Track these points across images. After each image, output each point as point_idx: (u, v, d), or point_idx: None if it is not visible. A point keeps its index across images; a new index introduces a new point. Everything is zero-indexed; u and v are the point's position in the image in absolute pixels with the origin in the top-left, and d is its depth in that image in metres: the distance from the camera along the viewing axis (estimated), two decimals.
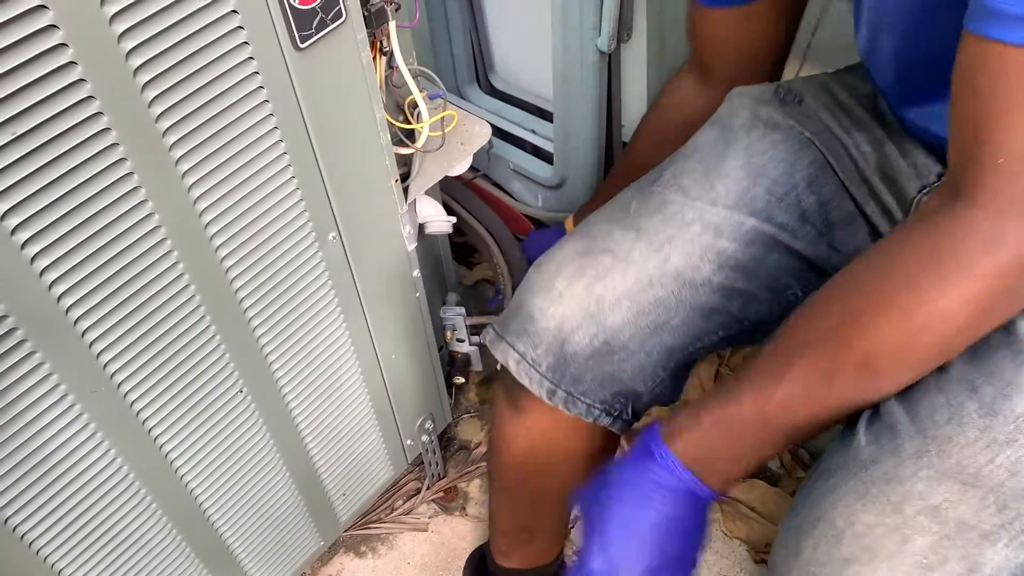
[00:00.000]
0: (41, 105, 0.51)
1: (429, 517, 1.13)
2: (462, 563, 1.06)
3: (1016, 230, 0.48)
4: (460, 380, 1.20)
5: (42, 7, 0.48)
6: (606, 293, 0.67)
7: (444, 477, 1.15)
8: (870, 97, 0.74)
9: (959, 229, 0.49)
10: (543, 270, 0.70)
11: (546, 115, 1.31)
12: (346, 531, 1.09)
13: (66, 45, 0.50)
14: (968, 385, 0.53)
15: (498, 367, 0.74)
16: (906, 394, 0.55)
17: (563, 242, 0.71)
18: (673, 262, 0.68)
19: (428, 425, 1.06)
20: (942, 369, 0.54)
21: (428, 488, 1.14)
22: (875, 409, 0.57)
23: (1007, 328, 0.53)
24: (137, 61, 0.54)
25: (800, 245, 0.71)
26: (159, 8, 0.54)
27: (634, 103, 1.16)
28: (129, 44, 0.53)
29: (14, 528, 0.64)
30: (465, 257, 1.41)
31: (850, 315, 0.53)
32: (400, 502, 1.14)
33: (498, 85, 1.39)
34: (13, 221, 0.53)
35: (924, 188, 0.69)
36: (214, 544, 0.83)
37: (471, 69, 1.37)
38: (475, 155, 0.89)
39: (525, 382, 0.70)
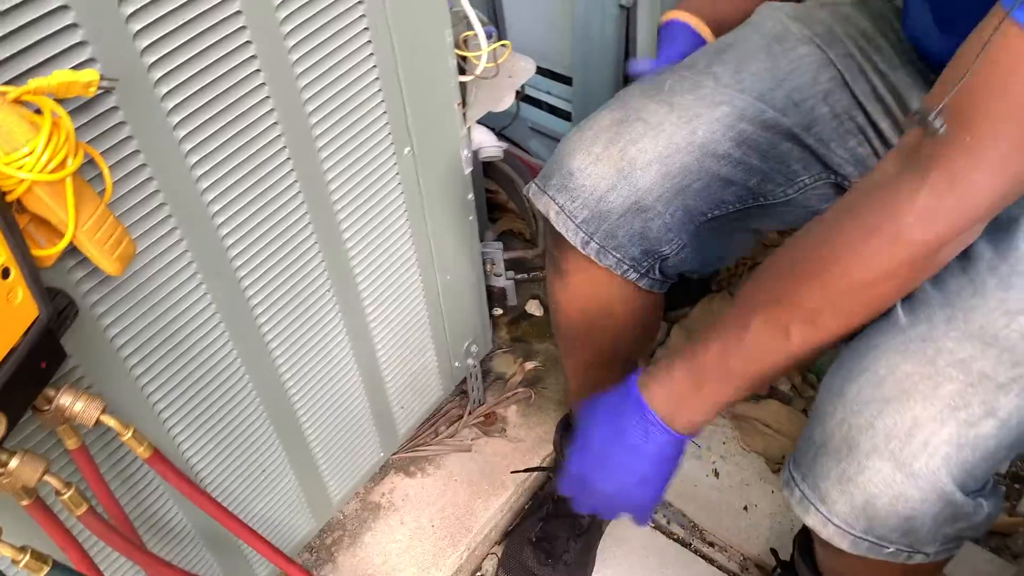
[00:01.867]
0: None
1: (471, 439, 1.21)
2: (505, 476, 1.15)
3: (952, 210, 0.53)
4: (498, 311, 1.29)
5: None
6: (638, 156, 0.76)
7: (483, 404, 1.24)
8: (891, 25, 0.84)
9: (902, 201, 0.55)
10: (583, 133, 0.79)
11: (559, 79, 1.41)
12: (395, 454, 1.17)
13: None
14: (988, 265, 0.62)
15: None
16: (937, 277, 0.64)
17: (601, 110, 0.80)
18: (700, 135, 0.77)
19: (473, 349, 1.14)
20: (966, 254, 0.63)
21: (470, 413, 1.22)
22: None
23: None
24: None
25: (811, 141, 0.81)
26: None
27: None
28: None
29: (148, 395, 0.71)
30: (489, 213, 1.49)
31: (803, 275, 0.61)
32: (443, 427, 1.22)
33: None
34: (175, 117, 0.61)
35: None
36: (298, 440, 0.91)
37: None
38: (498, 116, 0.97)
39: (562, 231, 0.78)
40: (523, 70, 0.98)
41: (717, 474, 1.20)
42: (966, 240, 0.59)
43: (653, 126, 0.77)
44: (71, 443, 0.61)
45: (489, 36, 0.93)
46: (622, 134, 0.77)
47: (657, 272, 0.81)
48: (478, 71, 0.91)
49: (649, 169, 0.76)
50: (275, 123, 0.69)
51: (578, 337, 0.91)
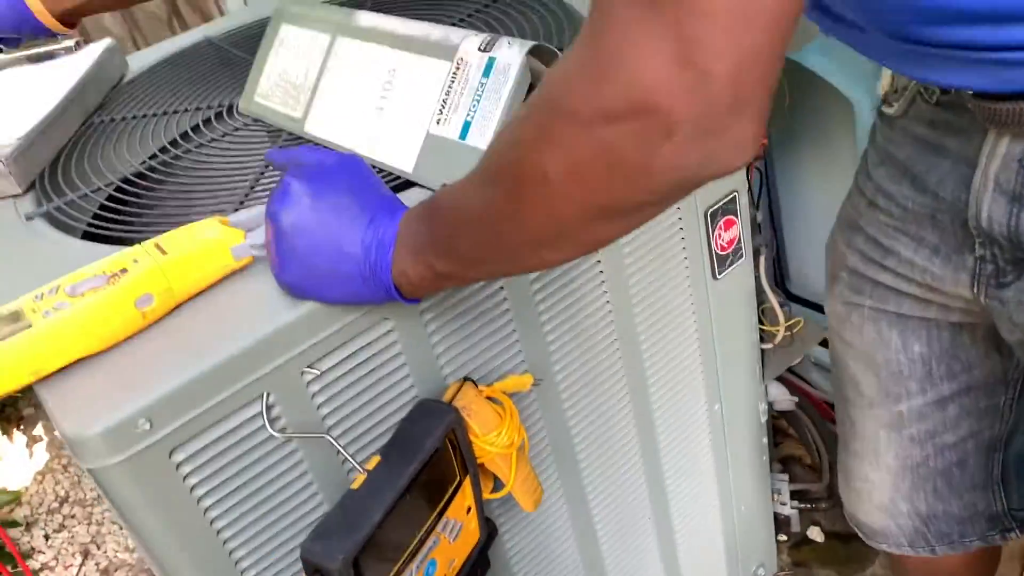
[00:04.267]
0: None
1: None
2: None
3: (647, 57, 0.39)
4: (782, 538, 1.41)
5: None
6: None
7: None
8: None
9: (571, 71, 0.44)
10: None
11: None
12: None
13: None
14: None
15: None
16: None
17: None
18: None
19: (760, 572, 1.27)
20: None
21: None
22: None
23: None
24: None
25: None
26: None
27: None
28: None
29: None
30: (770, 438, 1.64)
31: (483, 200, 0.53)
32: None
33: (794, 291, 1.67)
34: None
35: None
36: None
37: (771, 277, 1.67)
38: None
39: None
40: (812, 337, 1.17)
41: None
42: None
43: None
44: None
45: (783, 307, 1.14)
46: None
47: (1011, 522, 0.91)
48: (776, 341, 1.11)
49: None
50: (624, 384, 0.93)
51: None
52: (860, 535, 0.97)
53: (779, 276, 1.66)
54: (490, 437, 0.74)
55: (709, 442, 1.08)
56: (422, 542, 0.70)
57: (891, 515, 0.92)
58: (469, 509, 0.76)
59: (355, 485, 0.67)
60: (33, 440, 2.03)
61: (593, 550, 1.00)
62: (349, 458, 0.69)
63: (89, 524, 1.81)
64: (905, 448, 0.87)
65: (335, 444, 0.69)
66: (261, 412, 0.66)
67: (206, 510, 0.66)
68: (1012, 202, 0.63)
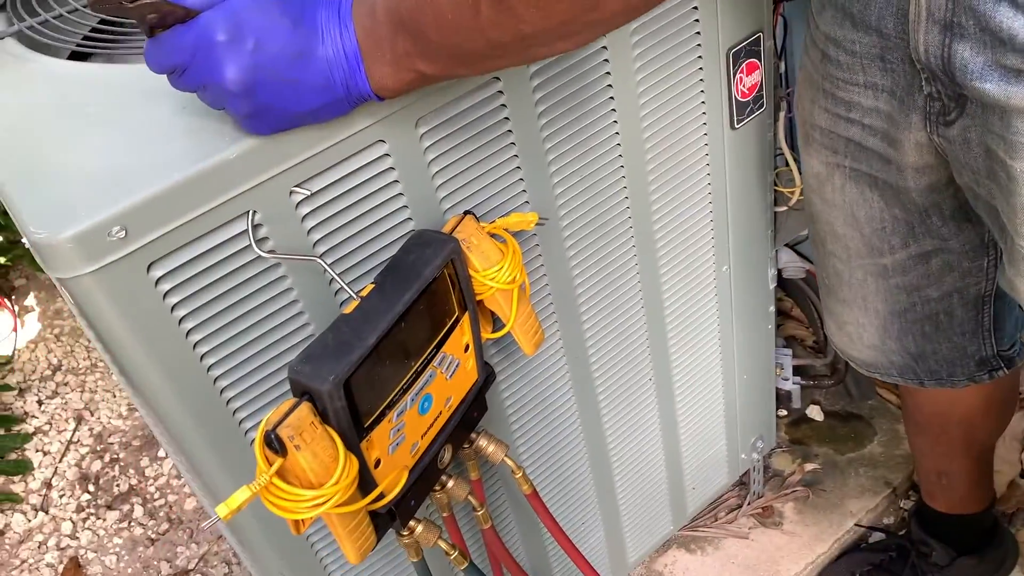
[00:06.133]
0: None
1: (748, 528, 1.32)
2: (780, 567, 1.24)
3: None
4: (782, 413, 1.40)
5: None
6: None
7: (762, 496, 1.34)
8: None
9: None
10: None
11: None
12: (679, 530, 1.30)
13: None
14: None
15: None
16: None
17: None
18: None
19: (759, 444, 1.26)
20: None
21: (748, 504, 1.33)
22: None
23: None
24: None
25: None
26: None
27: None
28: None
29: (519, 447, 0.92)
30: None
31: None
32: (723, 513, 1.34)
33: None
34: None
35: None
36: (611, 501, 1.08)
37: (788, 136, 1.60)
38: None
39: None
40: None
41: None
42: None
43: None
44: (474, 475, 0.82)
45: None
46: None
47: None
48: (791, 203, 1.06)
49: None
50: (632, 236, 0.89)
51: (929, 432, 1.05)
52: (852, 365, 0.99)
53: (792, 138, 1.60)
54: (490, 272, 0.70)
55: (716, 304, 1.04)
56: (418, 374, 0.67)
57: (883, 352, 0.93)
58: (467, 347, 0.72)
59: (347, 310, 0.63)
60: (25, 311, 2.00)
61: (591, 404, 0.97)
62: (341, 282, 0.65)
63: (82, 392, 1.80)
64: (892, 295, 0.88)
65: (327, 268, 0.65)
66: (247, 230, 0.61)
67: (188, 332, 0.63)
68: (944, 31, 0.63)
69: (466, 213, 0.71)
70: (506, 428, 0.89)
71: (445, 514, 0.80)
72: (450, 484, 0.76)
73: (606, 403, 0.99)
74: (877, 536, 1.30)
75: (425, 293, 0.65)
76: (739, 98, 0.90)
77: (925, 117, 0.71)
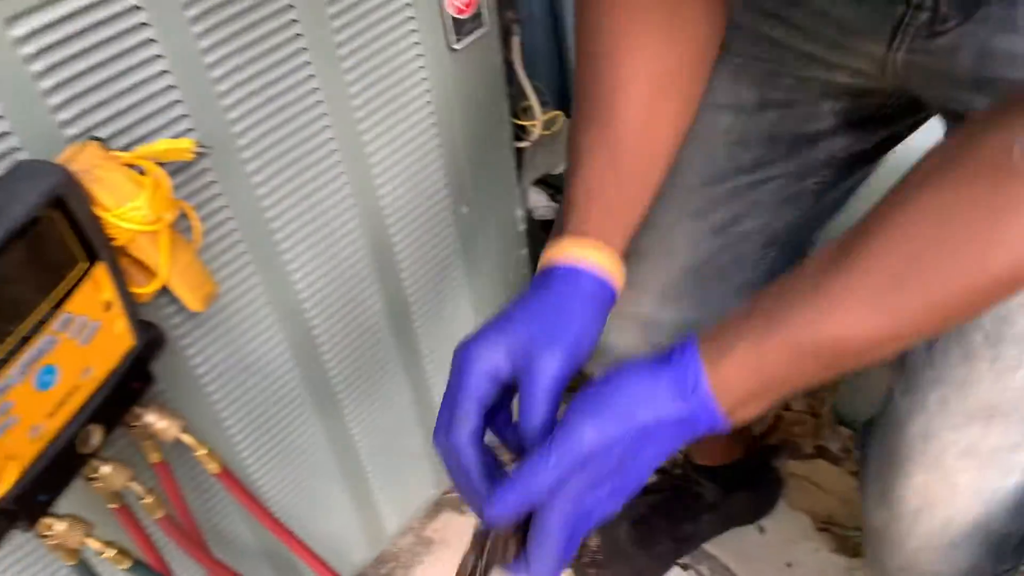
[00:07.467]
0: None
1: None
2: None
3: None
4: None
5: None
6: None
7: None
8: None
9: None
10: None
11: None
12: (447, 492, 1.23)
13: None
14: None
15: None
16: (926, 343, 0.60)
17: None
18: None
19: None
20: None
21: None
22: (901, 359, 0.62)
23: None
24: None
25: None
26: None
27: None
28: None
29: (222, 418, 0.80)
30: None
31: (915, 262, 0.45)
32: None
33: None
34: None
35: None
36: (355, 468, 0.99)
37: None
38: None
39: None
40: None
41: (762, 530, 1.22)
42: None
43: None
44: (154, 457, 0.70)
45: (544, 105, 1.02)
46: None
47: None
48: (533, 138, 0.99)
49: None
50: (343, 172, 0.79)
51: None
52: None
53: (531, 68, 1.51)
54: (123, 210, 0.57)
55: (460, 248, 0.96)
56: (24, 341, 0.53)
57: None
58: (110, 305, 0.59)
59: None
60: None
61: (314, 361, 0.87)
62: None
63: None
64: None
65: None
66: None
67: None
68: None
69: (92, 139, 0.58)
70: (203, 399, 0.77)
71: (114, 506, 0.67)
72: (106, 470, 0.63)
73: (333, 360, 0.88)
74: (653, 477, 1.29)
75: (20, 238, 0.51)
76: (455, 15, 0.81)
77: (897, 28, 0.59)
